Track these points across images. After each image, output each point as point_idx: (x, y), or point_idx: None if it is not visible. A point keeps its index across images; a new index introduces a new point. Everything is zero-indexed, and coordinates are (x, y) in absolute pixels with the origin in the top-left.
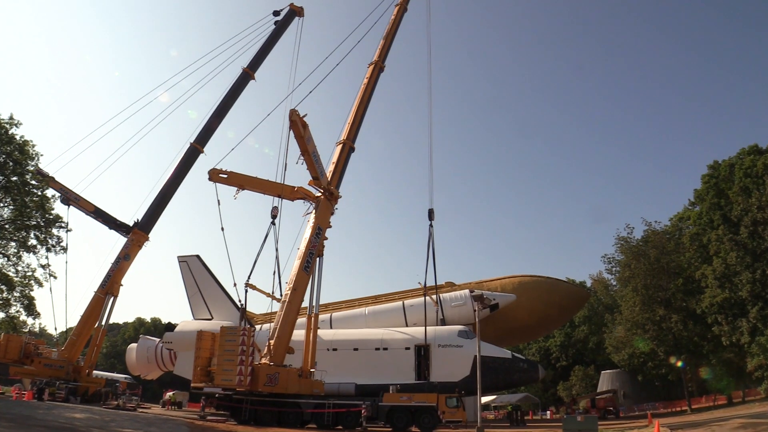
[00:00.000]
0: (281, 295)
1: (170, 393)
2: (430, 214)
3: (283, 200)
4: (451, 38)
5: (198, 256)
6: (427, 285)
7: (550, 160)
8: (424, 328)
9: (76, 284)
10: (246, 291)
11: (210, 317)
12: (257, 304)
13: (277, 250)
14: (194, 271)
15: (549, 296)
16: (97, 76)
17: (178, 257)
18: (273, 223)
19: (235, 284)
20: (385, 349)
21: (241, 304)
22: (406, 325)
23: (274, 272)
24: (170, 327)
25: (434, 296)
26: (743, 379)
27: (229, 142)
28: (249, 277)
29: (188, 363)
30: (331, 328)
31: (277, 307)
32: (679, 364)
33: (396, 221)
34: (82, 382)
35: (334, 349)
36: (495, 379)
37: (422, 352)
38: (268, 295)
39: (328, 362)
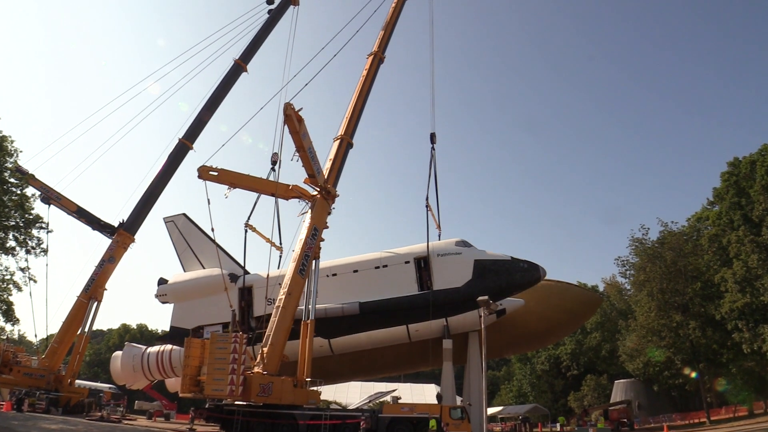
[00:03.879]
0: (280, 244)
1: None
2: (432, 137)
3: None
4: (455, 28)
5: (185, 214)
6: (429, 203)
7: (560, 158)
8: (421, 243)
9: (57, 288)
10: (246, 232)
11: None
12: (256, 250)
13: (276, 200)
14: (182, 229)
15: (559, 301)
16: (83, 66)
17: (164, 218)
18: (273, 169)
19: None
20: (385, 266)
21: (233, 310)
22: (407, 334)
23: (274, 220)
24: (162, 281)
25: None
26: (765, 389)
27: (222, 136)
28: (249, 218)
29: (184, 313)
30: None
31: (274, 268)
32: (693, 375)
33: (398, 220)
34: (63, 392)
35: (334, 275)
36: (497, 280)
37: (422, 264)
38: (267, 240)
39: (330, 287)
